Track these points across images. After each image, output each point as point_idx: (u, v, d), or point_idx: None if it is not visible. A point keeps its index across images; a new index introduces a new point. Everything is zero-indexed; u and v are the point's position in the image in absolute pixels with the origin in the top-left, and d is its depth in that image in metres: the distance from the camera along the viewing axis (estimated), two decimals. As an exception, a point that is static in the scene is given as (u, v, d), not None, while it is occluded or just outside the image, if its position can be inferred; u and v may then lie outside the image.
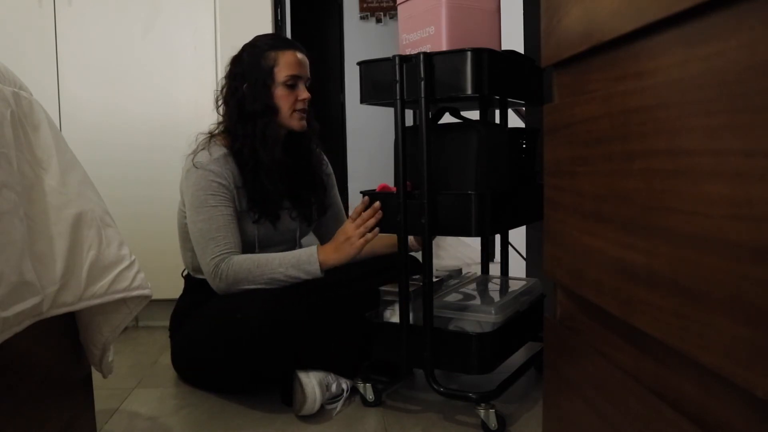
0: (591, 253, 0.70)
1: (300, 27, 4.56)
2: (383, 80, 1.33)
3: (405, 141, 1.31)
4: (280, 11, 2.35)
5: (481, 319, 1.35)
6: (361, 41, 4.96)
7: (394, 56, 1.29)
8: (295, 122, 1.56)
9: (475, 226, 1.27)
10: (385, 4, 4.98)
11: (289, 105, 1.54)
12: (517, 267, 2.06)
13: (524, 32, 2.01)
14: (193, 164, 1.51)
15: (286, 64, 1.53)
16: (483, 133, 1.32)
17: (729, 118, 0.44)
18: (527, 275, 2.02)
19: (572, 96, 0.77)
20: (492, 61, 1.25)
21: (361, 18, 5.01)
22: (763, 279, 0.41)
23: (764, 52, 0.42)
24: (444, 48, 1.28)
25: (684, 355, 0.51)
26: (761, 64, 0.41)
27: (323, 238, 1.78)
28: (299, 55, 1.56)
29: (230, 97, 1.57)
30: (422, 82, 1.25)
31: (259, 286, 1.45)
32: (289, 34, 3.90)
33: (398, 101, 1.29)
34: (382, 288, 1.48)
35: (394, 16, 4.93)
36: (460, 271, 1.69)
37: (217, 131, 1.59)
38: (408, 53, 1.31)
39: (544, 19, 0.83)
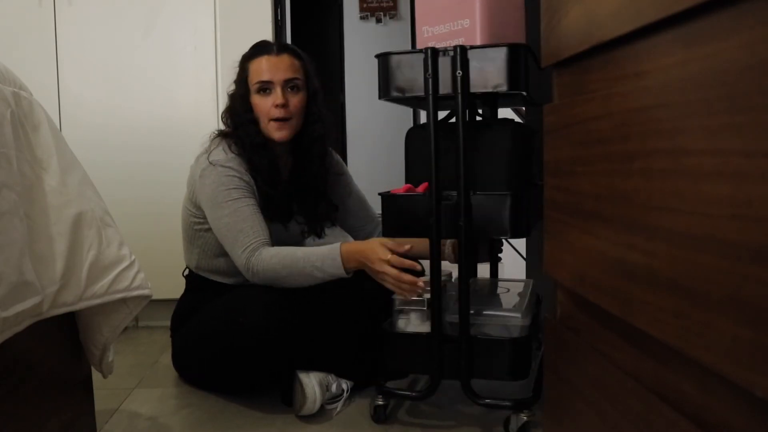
0: (591, 253, 0.70)
1: (300, 27, 4.56)
2: (406, 74, 1.24)
3: (438, 139, 1.23)
4: (280, 11, 2.34)
5: (509, 323, 1.29)
6: (361, 41, 4.95)
7: (426, 49, 1.21)
8: (273, 132, 1.52)
9: (511, 227, 1.21)
10: (385, 4, 4.98)
11: (264, 113, 1.51)
12: (518, 267, 2.06)
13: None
14: (210, 162, 1.50)
15: (255, 71, 1.53)
16: (517, 131, 1.28)
17: (729, 118, 0.44)
18: (527, 275, 2.01)
19: (572, 96, 0.77)
20: (527, 58, 1.19)
21: (361, 18, 5.00)
22: (763, 279, 0.41)
23: (764, 52, 0.42)
24: (478, 42, 1.21)
25: (684, 355, 0.51)
26: (761, 64, 0.41)
27: (350, 230, 1.77)
28: (271, 59, 1.52)
29: (226, 109, 1.59)
30: (459, 77, 1.19)
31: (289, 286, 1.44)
32: (289, 34, 3.89)
33: (430, 96, 1.21)
34: (395, 297, 1.37)
35: (394, 16, 4.92)
36: (450, 275, 1.63)
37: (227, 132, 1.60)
38: (431, 46, 1.23)
39: (544, 19, 0.83)
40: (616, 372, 0.67)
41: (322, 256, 1.41)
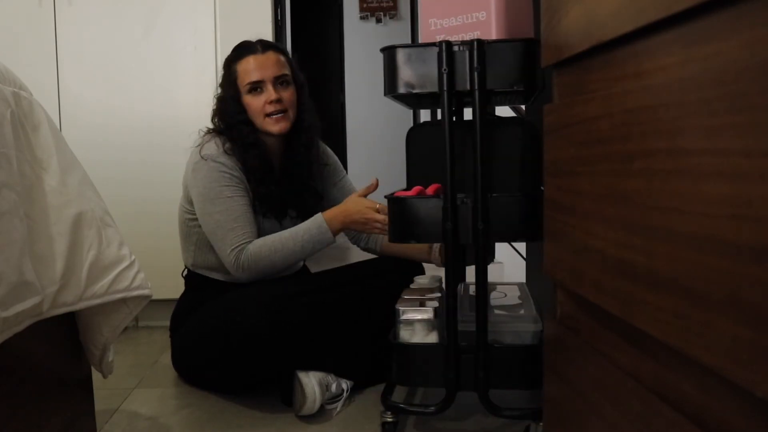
0: (591, 253, 0.70)
1: (300, 27, 4.56)
2: (416, 69, 1.18)
3: (453, 139, 1.18)
4: (280, 11, 2.35)
5: (521, 330, 1.25)
6: (361, 41, 4.95)
7: (440, 42, 1.15)
8: (271, 126, 1.54)
9: (529, 230, 1.17)
10: (385, 4, 4.98)
11: (259, 111, 1.53)
12: (517, 268, 2.06)
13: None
14: (201, 156, 1.51)
15: (243, 72, 1.54)
16: (529, 130, 1.25)
17: (729, 118, 0.44)
18: (527, 276, 2.01)
19: (572, 96, 0.77)
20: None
21: (361, 18, 5.00)
22: (763, 279, 0.41)
23: (764, 52, 0.42)
24: (494, 36, 1.17)
25: (684, 355, 0.51)
26: (761, 64, 0.41)
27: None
28: (258, 58, 1.54)
29: (215, 111, 1.61)
30: (476, 73, 1.14)
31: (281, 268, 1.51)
32: (289, 34, 3.89)
33: (445, 93, 1.15)
34: (400, 307, 1.31)
35: (394, 16, 4.92)
36: (440, 278, 1.54)
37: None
38: (445, 40, 1.18)
39: (544, 19, 0.83)
40: (616, 372, 0.67)
41: (306, 230, 1.50)
